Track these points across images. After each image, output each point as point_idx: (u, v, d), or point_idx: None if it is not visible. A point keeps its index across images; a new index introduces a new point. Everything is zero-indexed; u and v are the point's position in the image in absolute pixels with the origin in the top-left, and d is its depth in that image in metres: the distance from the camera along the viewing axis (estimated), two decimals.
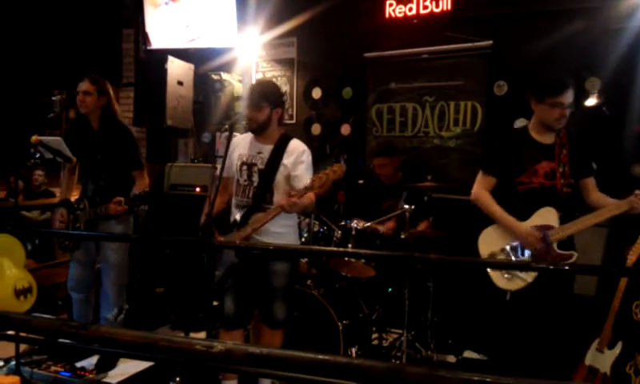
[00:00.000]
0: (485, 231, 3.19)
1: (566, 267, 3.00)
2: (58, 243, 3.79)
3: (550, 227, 2.98)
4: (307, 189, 2.89)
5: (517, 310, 3.05)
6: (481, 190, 3.21)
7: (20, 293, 3.26)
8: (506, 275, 3.01)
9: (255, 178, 3.12)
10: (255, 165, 3.13)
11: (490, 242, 3.16)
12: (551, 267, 2.94)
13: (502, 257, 3.09)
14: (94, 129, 3.77)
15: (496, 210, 3.11)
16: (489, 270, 3.11)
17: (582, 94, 4.27)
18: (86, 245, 3.80)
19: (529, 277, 2.95)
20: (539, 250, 2.96)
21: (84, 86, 3.69)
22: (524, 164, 3.06)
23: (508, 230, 3.07)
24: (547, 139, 3.08)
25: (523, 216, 3.03)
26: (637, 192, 2.86)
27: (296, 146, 3.13)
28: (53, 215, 3.84)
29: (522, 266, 3.03)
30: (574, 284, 3.15)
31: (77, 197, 3.87)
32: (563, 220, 2.99)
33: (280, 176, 3.08)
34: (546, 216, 3.00)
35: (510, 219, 3.06)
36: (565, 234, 2.96)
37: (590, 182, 3.10)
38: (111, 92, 3.81)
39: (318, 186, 2.86)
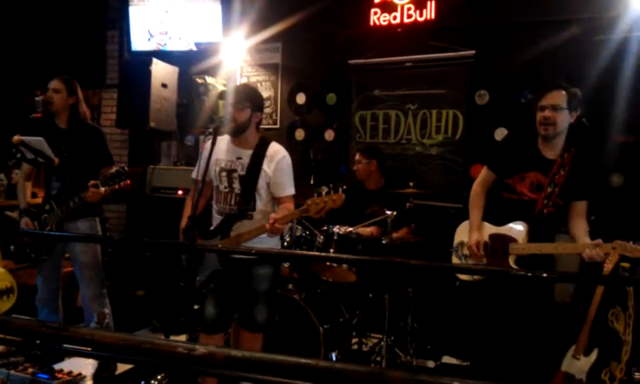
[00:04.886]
0: (466, 221, 3.26)
1: (544, 274, 2.99)
2: (28, 257, 3.68)
3: (512, 239, 2.97)
4: (303, 212, 2.88)
5: (464, 301, 3.23)
6: (476, 183, 3.25)
7: (2, 293, 3.22)
8: (460, 258, 3.21)
9: (236, 185, 3.07)
10: (235, 171, 3.08)
11: (464, 232, 3.23)
12: (529, 274, 2.92)
13: (466, 250, 3.18)
14: (61, 128, 3.75)
15: (470, 207, 3.20)
16: (453, 256, 3.25)
17: None
18: (53, 253, 3.70)
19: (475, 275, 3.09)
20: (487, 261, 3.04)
21: (54, 84, 3.72)
22: (518, 167, 3.01)
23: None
24: (549, 153, 2.97)
25: (500, 221, 3.06)
26: (597, 242, 2.73)
27: (276, 151, 3.09)
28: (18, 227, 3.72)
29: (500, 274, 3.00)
30: (542, 292, 3.07)
31: (38, 201, 3.77)
32: (539, 238, 2.93)
33: (262, 182, 3.05)
34: (516, 230, 2.99)
35: (472, 225, 3.14)
36: (524, 251, 2.92)
37: (579, 206, 2.95)
38: (80, 94, 3.82)
39: (315, 212, 2.84)
